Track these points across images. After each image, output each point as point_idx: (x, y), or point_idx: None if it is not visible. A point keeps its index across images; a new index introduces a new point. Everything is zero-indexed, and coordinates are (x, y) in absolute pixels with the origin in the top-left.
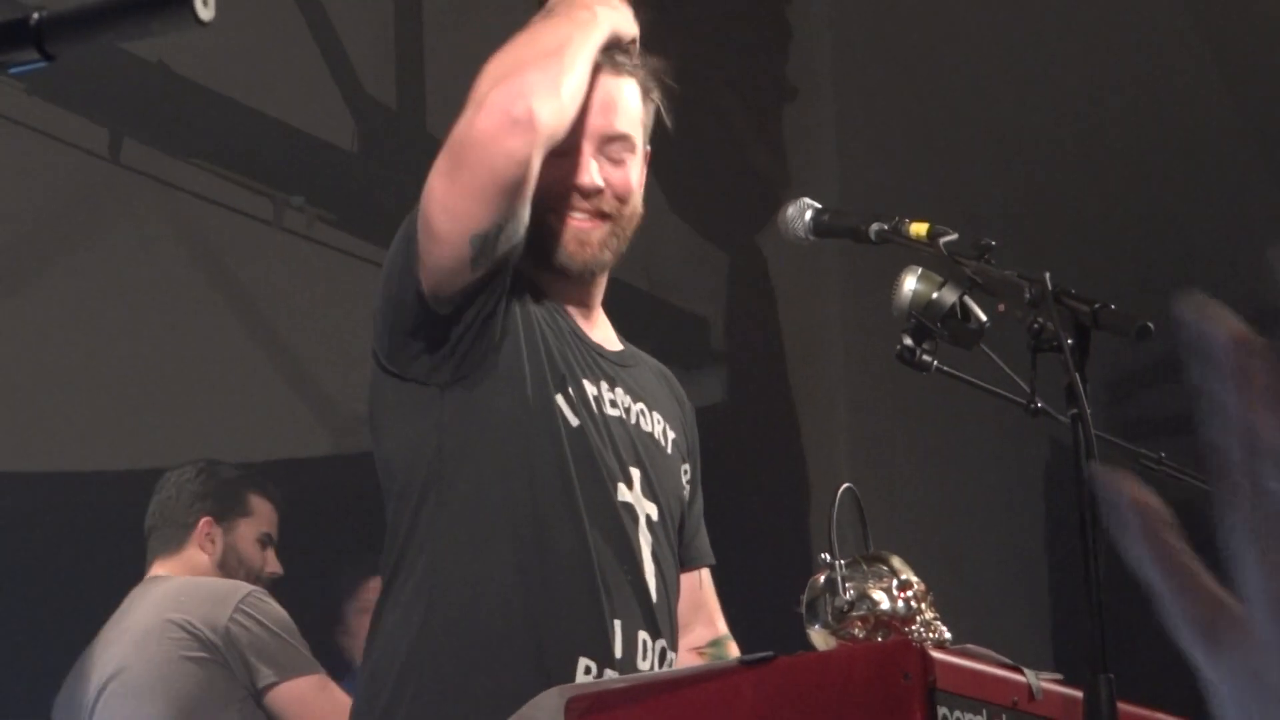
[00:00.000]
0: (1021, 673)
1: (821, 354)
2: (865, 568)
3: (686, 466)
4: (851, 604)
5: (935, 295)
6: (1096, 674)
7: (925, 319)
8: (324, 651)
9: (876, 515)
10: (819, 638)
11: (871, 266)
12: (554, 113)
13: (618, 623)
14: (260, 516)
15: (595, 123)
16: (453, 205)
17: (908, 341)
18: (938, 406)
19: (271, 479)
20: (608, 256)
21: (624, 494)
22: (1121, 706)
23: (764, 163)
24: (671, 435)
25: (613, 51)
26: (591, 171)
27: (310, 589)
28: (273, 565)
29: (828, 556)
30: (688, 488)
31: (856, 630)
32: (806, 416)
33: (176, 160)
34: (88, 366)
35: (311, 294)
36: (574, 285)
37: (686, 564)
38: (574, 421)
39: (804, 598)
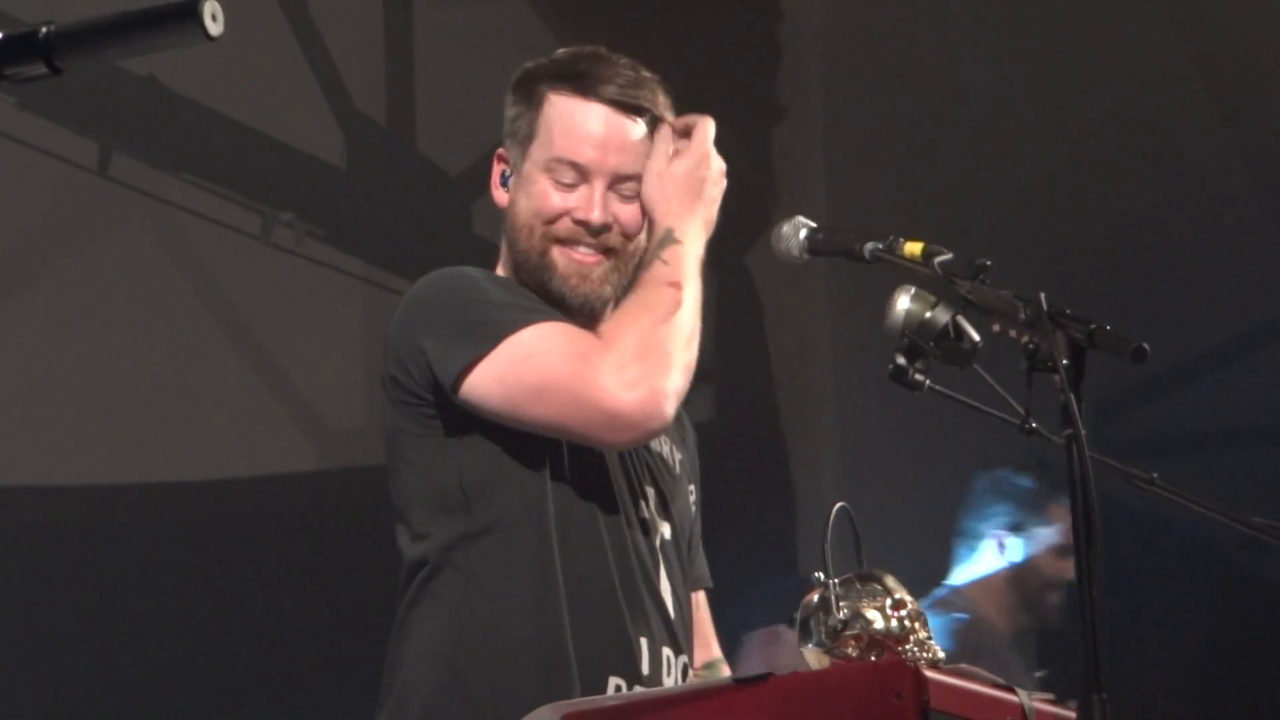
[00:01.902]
0: (1014, 693)
1: (810, 372)
2: (859, 587)
3: (692, 487)
4: (845, 623)
5: (929, 314)
6: (1090, 694)
7: (918, 338)
8: (307, 663)
9: (863, 534)
10: (813, 656)
11: (860, 285)
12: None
13: (643, 640)
14: None
15: (610, 161)
16: (529, 407)
17: (900, 360)
18: (926, 426)
19: (256, 493)
20: (609, 292)
21: (643, 510)
22: None
23: (753, 181)
24: (679, 456)
25: (629, 89)
26: (602, 208)
27: (296, 604)
28: None
29: (821, 575)
30: (694, 508)
31: (850, 649)
32: (795, 435)
33: (165, 175)
34: (74, 380)
35: (300, 309)
36: (580, 317)
37: (691, 588)
38: (675, 468)
39: (797, 616)
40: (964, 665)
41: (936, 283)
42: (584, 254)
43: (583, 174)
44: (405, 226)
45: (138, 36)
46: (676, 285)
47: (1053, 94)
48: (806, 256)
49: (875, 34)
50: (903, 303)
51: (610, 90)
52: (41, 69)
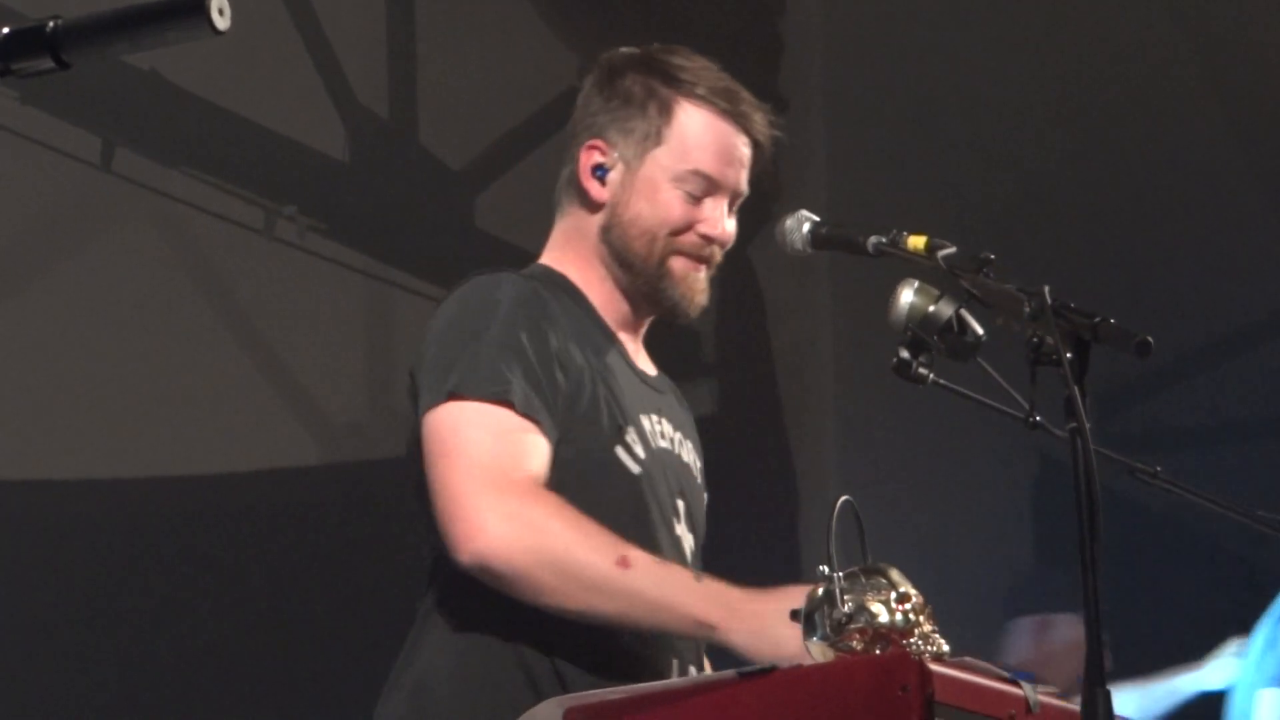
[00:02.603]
0: (1019, 686)
1: (812, 366)
2: (863, 580)
3: (706, 495)
4: (850, 616)
5: (932, 308)
6: (1094, 687)
7: (922, 332)
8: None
9: (867, 528)
10: (817, 650)
11: (862, 279)
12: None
13: (675, 661)
14: None
15: (731, 177)
16: (429, 464)
17: (904, 354)
18: (927, 419)
19: (259, 488)
20: (705, 303)
21: (676, 528)
22: None
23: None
24: (699, 464)
25: (765, 124)
26: (727, 225)
27: (296, 596)
28: None
29: (826, 569)
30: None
31: (855, 643)
32: (797, 429)
33: (168, 169)
34: (78, 375)
35: (302, 303)
36: (636, 316)
37: None
38: (635, 470)
39: (802, 610)
40: (969, 658)
41: (940, 276)
42: (697, 267)
43: (713, 189)
44: (408, 221)
45: (145, 31)
46: (645, 599)
47: (1054, 88)
48: (809, 250)
49: (877, 27)
50: (906, 296)
51: (740, 111)
52: (49, 63)
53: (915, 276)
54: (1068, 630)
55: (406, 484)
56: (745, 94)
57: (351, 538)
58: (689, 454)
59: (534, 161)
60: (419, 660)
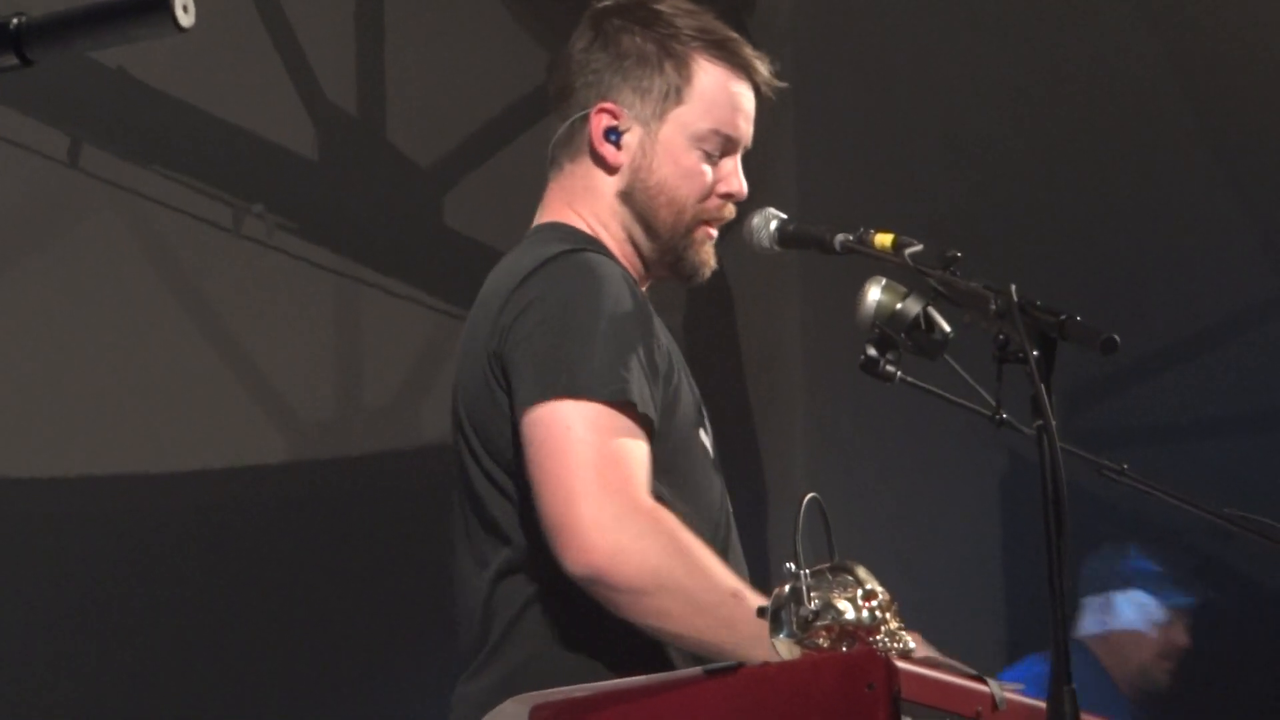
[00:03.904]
0: (985, 683)
1: (781, 364)
2: (830, 577)
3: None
4: (816, 614)
5: (899, 306)
6: (1060, 685)
7: (889, 329)
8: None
9: (834, 525)
10: (783, 647)
11: (831, 276)
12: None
13: None
14: None
15: (745, 133)
16: (534, 466)
17: (871, 352)
18: (896, 416)
19: (227, 486)
20: (715, 265)
21: (729, 505)
22: (1084, 718)
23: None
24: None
25: (769, 78)
26: (744, 180)
27: (266, 594)
28: None
29: (792, 566)
30: None
31: (821, 640)
32: (765, 426)
33: (136, 167)
34: (44, 373)
35: (271, 301)
36: (651, 280)
37: None
38: (712, 453)
39: (768, 607)
40: (935, 656)
41: (907, 274)
42: (712, 231)
43: (730, 147)
44: (376, 218)
45: (109, 28)
46: (732, 625)
47: (1023, 87)
48: (777, 248)
49: (847, 25)
50: (873, 294)
51: (754, 67)
52: (13, 60)
53: (882, 274)
54: (1132, 612)
55: (450, 470)
56: (744, 41)
57: (320, 535)
58: (708, 438)
59: (503, 159)
60: (512, 650)
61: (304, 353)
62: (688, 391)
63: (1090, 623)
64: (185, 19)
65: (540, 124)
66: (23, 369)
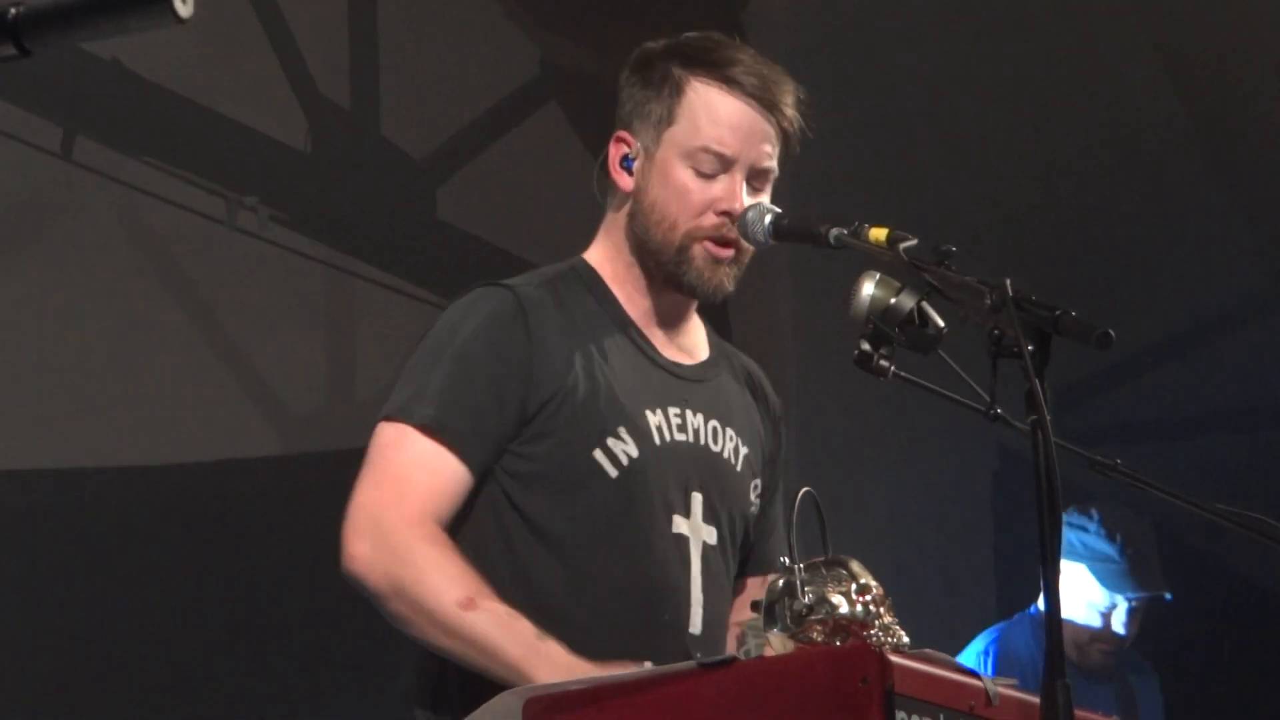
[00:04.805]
0: (979, 678)
1: (774, 358)
2: (824, 572)
3: (757, 482)
4: (810, 608)
5: (893, 300)
6: (1053, 680)
7: (883, 324)
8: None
9: (828, 520)
10: (777, 641)
11: (823, 270)
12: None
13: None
14: None
15: (750, 153)
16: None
17: (865, 346)
18: (888, 411)
19: (218, 477)
20: (730, 286)
21: (679, 525)
22: (1078, 713)
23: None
24: (744, 451)
25: (766, 86)
26: (743, 198)
27: (256, 587)
28: None
29: (786, 560)
30: (756, 503)
31: (815, 634)
32: None
33: (129, 159)
34: (36, 364)
35: (264, 294)
36: (669, 302)
37: (754, 571)
38: (613, 474)
39: (763, 601)
40: (929, 650)
41: (901, 269)
42: (715, 247)
43: (725, 164)
44: (369, 211)
45: (107, 18)
46: (485, 648)
47: (1017, 83)
48: (771, 242)
49: (840, 20)
50: (867, 288)
51: (752, 83)
52: (10, 50)
53: (876, 268)
54: (1075, 592)
55: None
56: (744, 60)
57: (310, 528)
58: (727, 443)
59: (496, 153)
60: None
61: (296, 344)
62: (591, 415)
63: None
64: (184, 10)
65: (533, 117)
66: (13, 359)
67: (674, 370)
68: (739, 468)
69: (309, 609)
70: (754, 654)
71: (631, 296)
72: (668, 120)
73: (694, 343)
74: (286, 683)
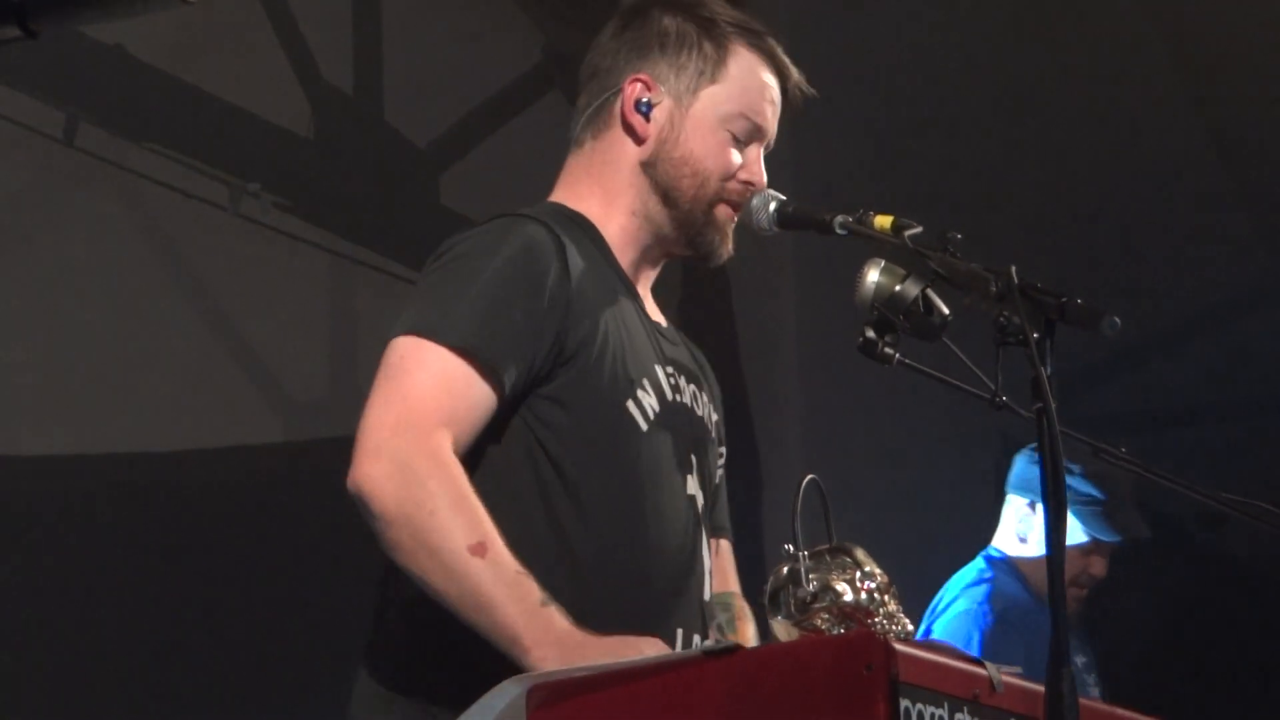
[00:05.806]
0: (983, 666)
1: (778, 345)
2: (828, 559)
3: (723, 449)
4: (815, 595)
5: (898, 288)
6: (1057, 667)
7: (888, 311)
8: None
9: (832, 507)
10: (782, 629)
11: (826, 259)
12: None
13: (680, 631)
14: None
15: (772, 126)
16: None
17: (870, 334)
18: (894, 399)
19: (221, 464)
20: (731, 251)
21: (690, 486)
22: (1081, 701)
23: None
24: (715, 417)
25: (785, 61)
26: (764, 172)
27: (259, 574)
28: None
29: (790, 547)
30: (720, 471)
31: (819, 622)
32: (762, 408)
33: (132, 145)
34: (40, 351)
35: (267, 280)
36: (654, 258)
37: (711, 535)
38: (644, 427)
39: (767, 589)
40: (933, 639)
41: (906, 256)
42: (734, 214)
43: (756, 135)
44: (372, 198)
45: (115, 1)
46: (486, 601)
47: (1018, 72)
48: (776, 229)
49: (841, 8)
50: (872, 276)
51: (783, 64)
52: (16, 32)
53: (881, 256)
54: None
55: None
56: (775, 44)
57: (314, 515)
58: (705, 409)
59: (500, 139)
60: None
61: (299, 331)
62: (621, 365)
63: (1010, 528)
64: None
65: (537, 104)
66: (17, 347)
67: (659, 330)
68: (713, 433)
69: (312, 594)
70: (726, 629)
71: (622, 247)
72: (710, 77)
73: (655, 306)
74: (291, 667)
